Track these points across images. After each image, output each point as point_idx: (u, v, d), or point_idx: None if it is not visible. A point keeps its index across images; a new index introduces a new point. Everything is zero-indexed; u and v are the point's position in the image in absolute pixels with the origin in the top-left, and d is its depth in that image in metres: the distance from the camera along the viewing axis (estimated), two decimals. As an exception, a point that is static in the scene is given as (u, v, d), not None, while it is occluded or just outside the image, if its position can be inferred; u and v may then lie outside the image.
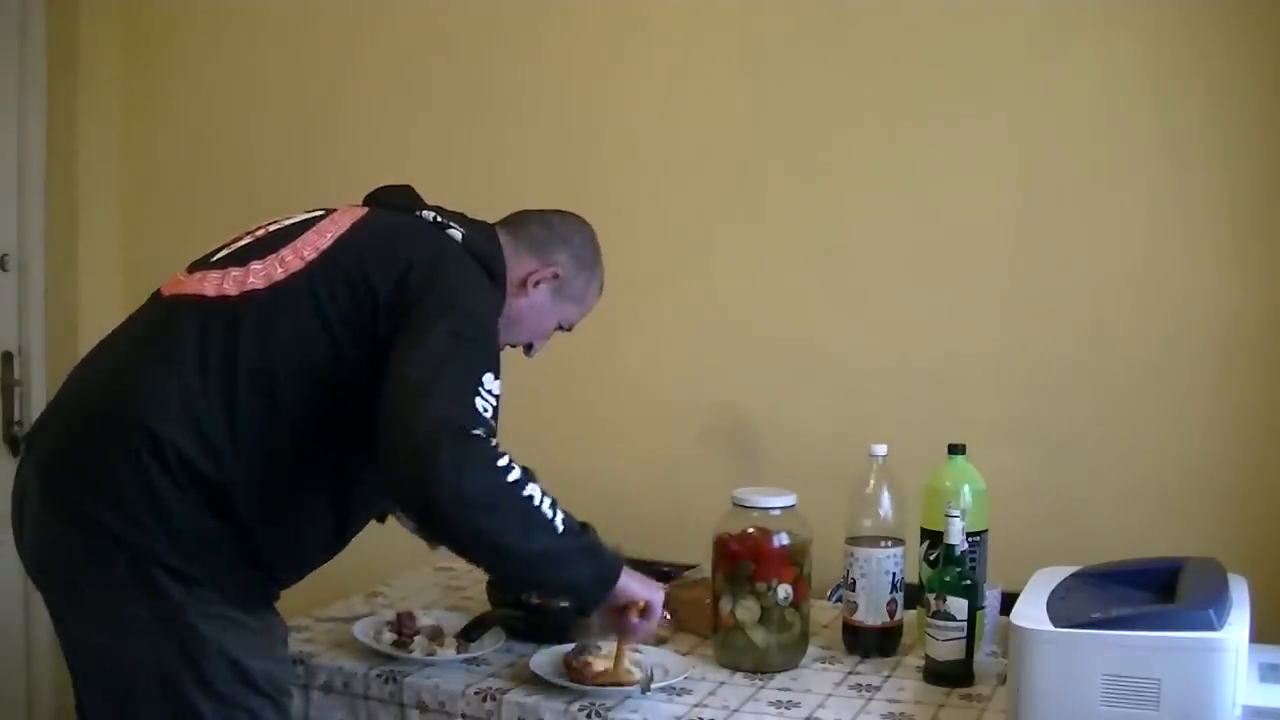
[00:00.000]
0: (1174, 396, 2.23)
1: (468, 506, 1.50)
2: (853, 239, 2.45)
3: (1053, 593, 1.69)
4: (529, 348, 1.98)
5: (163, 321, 1.72)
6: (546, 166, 2.41)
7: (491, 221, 1.91)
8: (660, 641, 2.06)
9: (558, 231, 1.92)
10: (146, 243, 3.10)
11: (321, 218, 1.80)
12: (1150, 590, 1.71)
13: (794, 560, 1.96)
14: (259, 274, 1.71)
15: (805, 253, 2.49)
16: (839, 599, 2.11)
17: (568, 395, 2.70)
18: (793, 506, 1.98)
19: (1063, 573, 1.78)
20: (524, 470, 1.57)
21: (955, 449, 2.03)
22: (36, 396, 2.96)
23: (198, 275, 1.75)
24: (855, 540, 2.03)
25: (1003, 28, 2.32)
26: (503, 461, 1.54)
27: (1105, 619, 1.57)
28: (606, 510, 2.64)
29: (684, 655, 2.00)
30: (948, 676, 1.87)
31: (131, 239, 3.10)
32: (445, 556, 2.21)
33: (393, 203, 1.85)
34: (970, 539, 1.94)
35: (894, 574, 2.00)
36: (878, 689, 1.88)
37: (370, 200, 1.88)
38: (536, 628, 2.04)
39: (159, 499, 1.59)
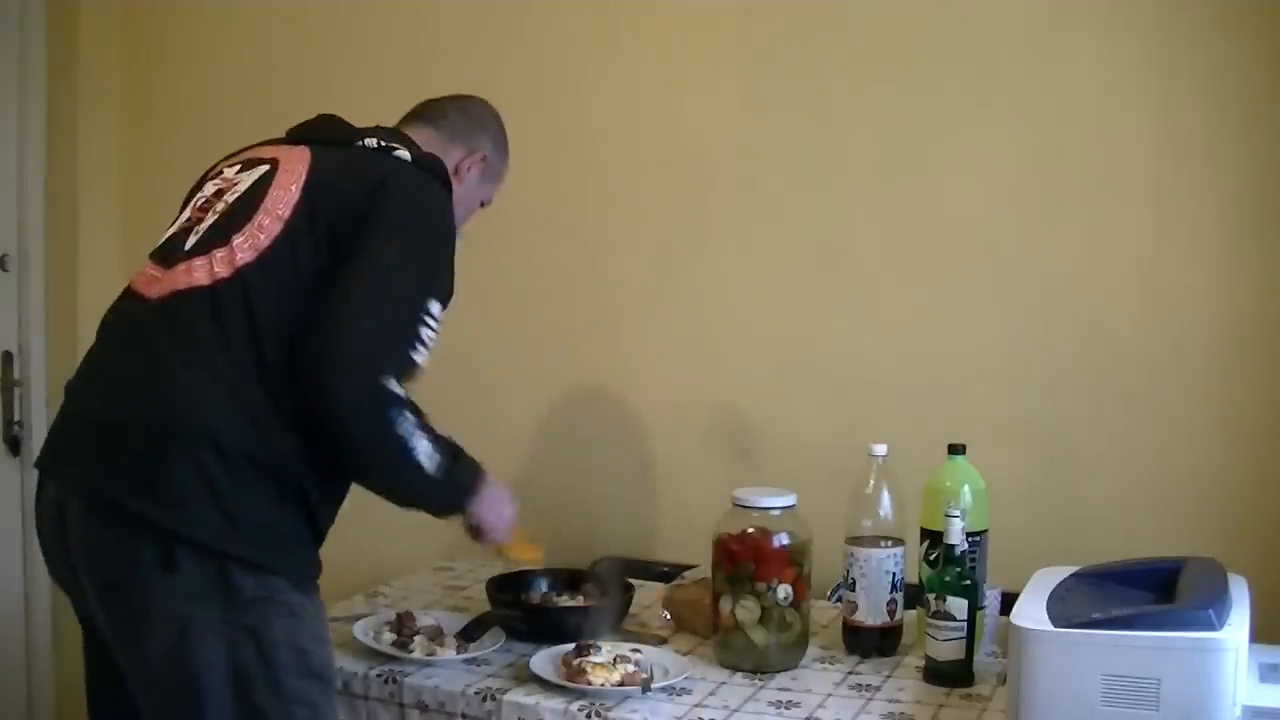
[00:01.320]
0: (1174, 397, 2.23)
1: (363, 447, 1.64)
2: (853, 238, 2.45)
3: (1053, 593, 1.69)
4: None
5: (171, 319, 1.72)
6: (544, 164, 2.41)
7: (403, 118, 2.02)
8: (660, 641, 2.07)
9: (476, 118, 2.03)
10: (146, 243, 3.04)
11: (271, 171, 1.80)
12: (1150, 590, 1.71)
13: (794, 560, 1.96)
14: (244, 247, 1.72)
15: (804, 252, 2.49)
16: (839, 599, 2.11)
17: (568, 395, 2.70)
18: (793, 506, 1.98)
19: (1063, 573, 1.78)
20: (416, 420, 1.66)
21: (955, 449, 2.03)
22: (36, 396, 2.96)
23: (181, 268, 1.74)
24: (855, 540, 2.03)
25: (1004, 26, 2.31)
26: (403, 423, 1.64)
27: (1105, 619, 1.57)
28: (607, 510, 2.66)
29: (684, 655, 2.00)
30: (948, 676, 1.87)
31: (131, 239, 3.09)
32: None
33: (329, 138, 1.87)
34: (970, 539, 1.94)
35: (894, 574, 2.00)
36: (878, 689, 1.88)
37: (304, 138, 1.88)
38: (536, 628, 2.04)
39: (223, 494, 1.61)
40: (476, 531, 1.88)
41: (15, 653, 2.96)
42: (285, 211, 1.73)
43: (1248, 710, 1.55)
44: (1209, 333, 2.20)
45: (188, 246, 1.77)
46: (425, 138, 1.94)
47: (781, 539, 1.95)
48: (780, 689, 1.88)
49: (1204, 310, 2.20)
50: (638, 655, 1.92)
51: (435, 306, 1.71)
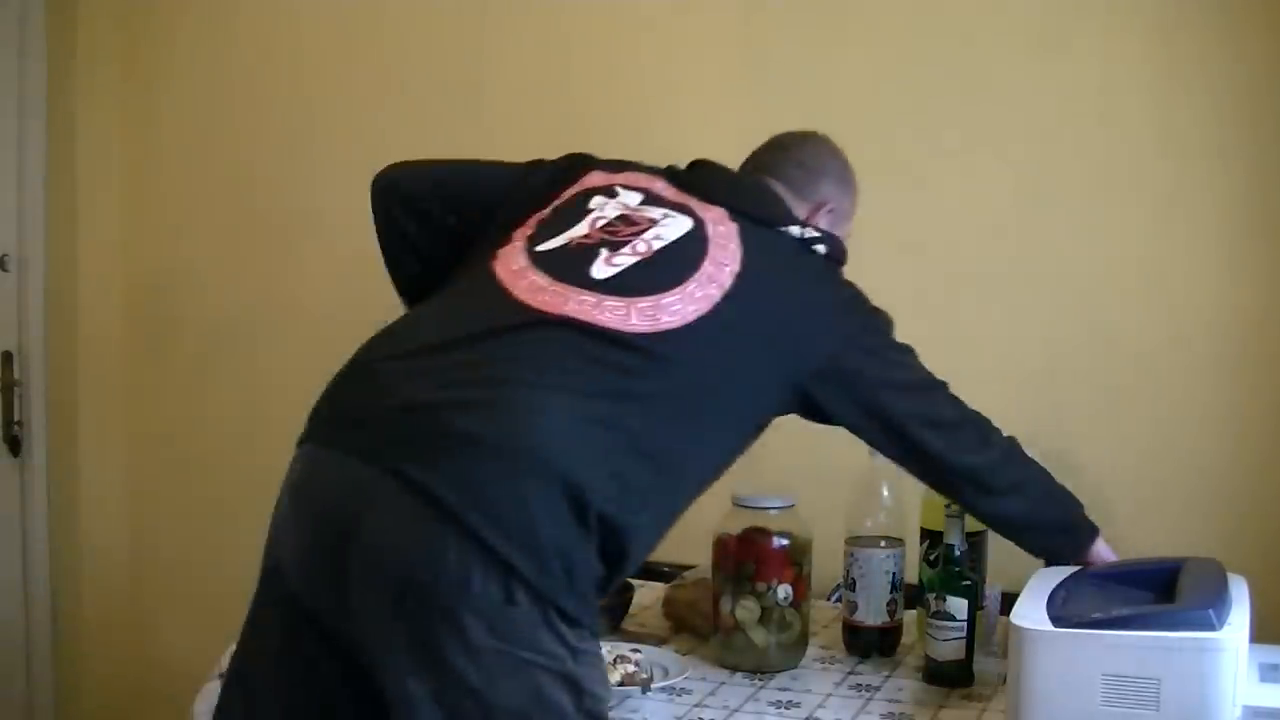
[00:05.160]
0: (1174, 396, 2.23)
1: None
2: (851, 238, 2.44)
3: (1053, 593, 1.69)
4: None
5: (558, 345, 1.53)
6: (546, 166, 2.41)
7: (748, 164, 1.95)
8: (660, 641, 2.07)
9: (811, 167, 1.92)
10: (146, 242, 3.10)
11: (698, 234, 1.67)
12: (1150, 590, 1.70)
13: (794, 560, 1.96)
14: (671, 311, 1.56)
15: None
16: (839, 599, 2.11)
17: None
18: (793, 506, 1.98)
19: (1063, 573, 1.78)
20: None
21: (955, 449, 2.03)
22: (36, 396, 2.96)
23: (586, 296, 1.56)
24: (855, 540, 2.03)
25: (1003, 28, 2.32)
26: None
27: (1105, 619, 1.57)
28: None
29: (684, 655, 2.00)
30: (948, 676, 1.87)
31: (131, 239, 3.10)
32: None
33: (750, 212, 1.73)
34: (970, 539, 1.94)
35: (894, 574, 2.00)
36: (878, 689, 1.88)
37: (716, 197, 1.76)
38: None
39: (568, 548, 1.45)
40: None
41: (15, 653, 2.96)
42: (717, 294, 1.60)
43: (1248, 710, 1.55)
44: (1210, 332, 2.20)
45: (599, 274, 1.59)
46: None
47: (781, 539, 1.95)
48: (780, 689, 1.88)
49: (1205, 310, 2.20)
50: (638, 655, 1.92)
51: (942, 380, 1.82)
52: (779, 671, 1.94)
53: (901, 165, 2.40)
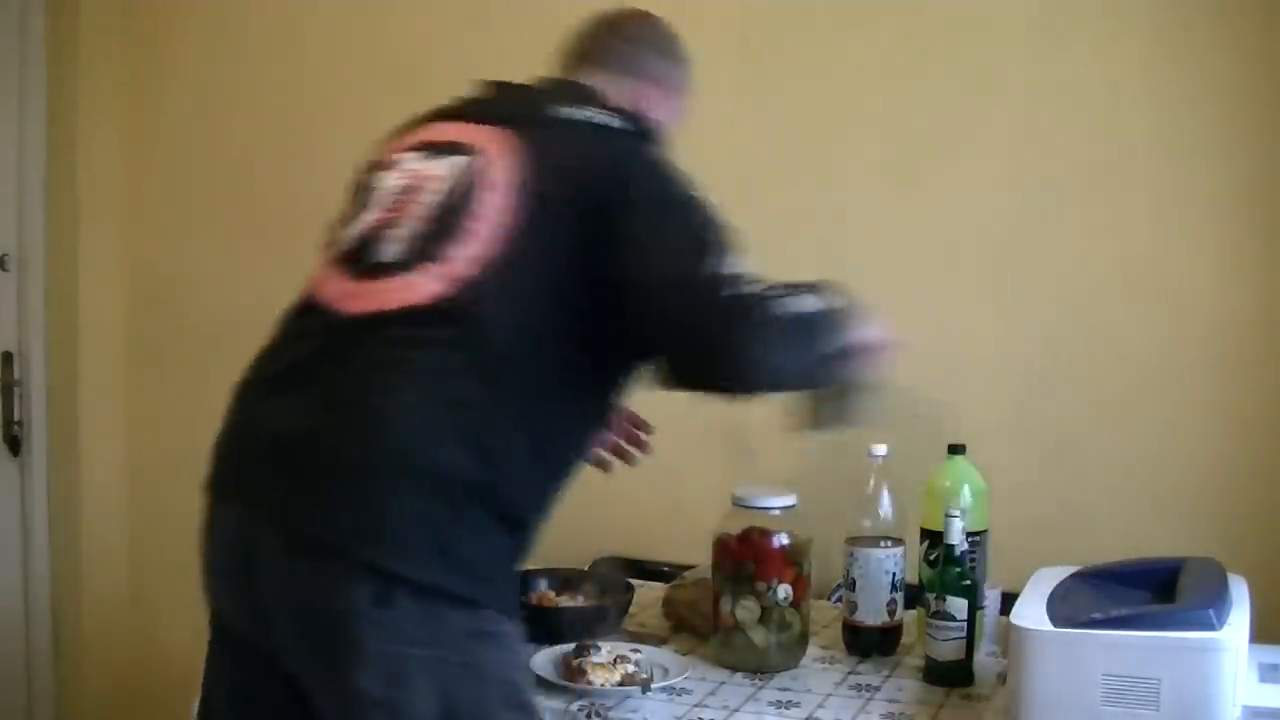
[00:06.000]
0: (1174, 396, 2.23)
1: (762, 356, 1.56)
2: (851, 238, 2.45)
3: (1053, 593, 1.70)
4: None
5: (380, 342, 1.53)
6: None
7: (572, 51, 1.88)
8: (660, 641, 2.07)
9: (635, 42, 1.86)
10: (147, 243, 3.10)
11: (472, 165, 1.60)
12: (1150, 590, 1.71)
13: (794, 560, 1.96)
14: (460, 259, 1.53)
15: (803, 252, 2.48)
16: (839, 599, 2.11)
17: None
18: (793, 506, 1.98)
19: (1063, 573, 1.78)
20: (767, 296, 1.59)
21: (955, 449, 2.03)
22: (36, 396, 2.96)
23: (385, 282, 1.55)
24: (855, 540, 2.03)
25: (1003, 27, 2.31)
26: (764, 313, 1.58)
27: (1105, 619, 1.57)
28: (606, 510, 2.65)
29: (684, 655, 2.00)
30: (948, 676, 1.87)
31: (132, 239, 3.10)
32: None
33: (520, 114, 1.67)
34: (970, 539, 1.94)
35: (894, 574, 2.00)
36: (878, 689, 1.88)
37: (490, 116, 1.69)
38: (536, 628, 2.04)
39: (440, 531, 1.46)
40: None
41: (15, 657, 2.95)
42: (502, 218, 1.55)
43: (1248, 710, 1.55)
44: (1209, 332, 2.20)
45: (390, 257, 1.57)
46: (599, 81, 1.77)
47: (781, 539, 1.95)
48: (780, 689, 1.88)
49: (1204, 309, 2.20)
50: (638, 655, 1.92)
51: (724, 228, 1.60)
52: (779, 671, 1.94)
53: (900, 165, 2.40)
